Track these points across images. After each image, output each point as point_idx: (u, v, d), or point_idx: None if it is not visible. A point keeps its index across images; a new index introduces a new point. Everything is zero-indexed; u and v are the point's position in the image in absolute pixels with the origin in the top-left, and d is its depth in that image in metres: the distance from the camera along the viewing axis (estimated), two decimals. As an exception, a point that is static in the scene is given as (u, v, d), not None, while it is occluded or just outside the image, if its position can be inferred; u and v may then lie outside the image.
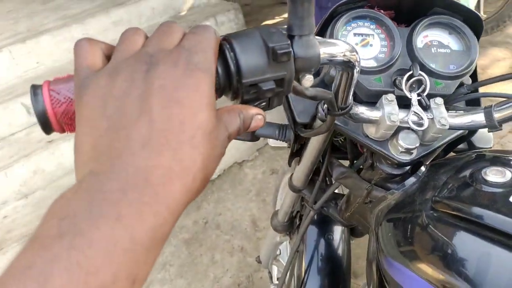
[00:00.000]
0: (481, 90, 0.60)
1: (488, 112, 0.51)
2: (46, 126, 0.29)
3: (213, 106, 0.28)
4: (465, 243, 0.44)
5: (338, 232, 0.95)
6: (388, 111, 0.50)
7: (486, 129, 0.74)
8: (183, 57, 0.27)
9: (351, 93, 0.45)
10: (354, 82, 0.42)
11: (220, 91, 0.31)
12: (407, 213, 0.51)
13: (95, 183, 0.23)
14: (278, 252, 1.20)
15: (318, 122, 0.57)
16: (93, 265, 0.20)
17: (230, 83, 0.30)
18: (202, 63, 0.27)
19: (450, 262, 0.43)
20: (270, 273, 1.34)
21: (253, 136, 0.69)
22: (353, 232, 0.99)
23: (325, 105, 0.48)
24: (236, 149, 2.23)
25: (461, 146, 0.70)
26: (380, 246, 0.54)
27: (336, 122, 0.56)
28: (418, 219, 0.49)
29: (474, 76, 0.59)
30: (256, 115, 0.32)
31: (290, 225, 1.00)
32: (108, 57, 0.31)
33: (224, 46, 0.30)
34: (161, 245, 0.25)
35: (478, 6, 2.80)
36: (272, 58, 0.30)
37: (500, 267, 0.40)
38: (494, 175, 0.46)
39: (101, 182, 0.23)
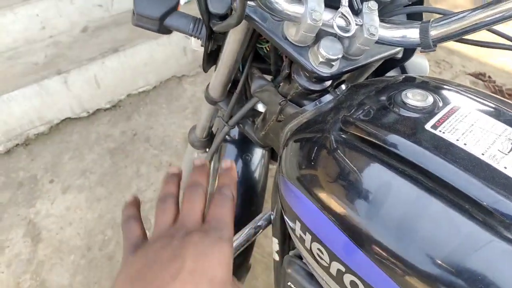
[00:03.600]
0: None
1: (424, 28, 0.44)
2: None
3: (230, 266, 0.35)
4: (369, 172, 0.38)
5: (258, 154, 0.90)
6: (312, 7, 0.41)
7: (423, 59, 0.68)
8: (212, 232, 0.36)
9: None
10: None
11: None
12: (315, 133, 0.45)
13: None
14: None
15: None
16: None
17: None
18: (226, 235, 0.37)
19: (349, 191, 0.38)
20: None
21: (162, 27, 0.57)
22: (274, 156, 0.94)
23: None
24: (176, 61, 2.07)
25: (393, 73, 0.63)
26: (281, 168, 0.47)
27: (252, 15, 0.46)
28: (324, 141, 0.42)
29: (420, -14, 0.51)
30: None
31: (209, 142, 0.93)
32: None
33: None
34: None
35: None
36: None
37: (398, 200, 0.35)
38: (414, 98, 0.40)
39: None
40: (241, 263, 0.95)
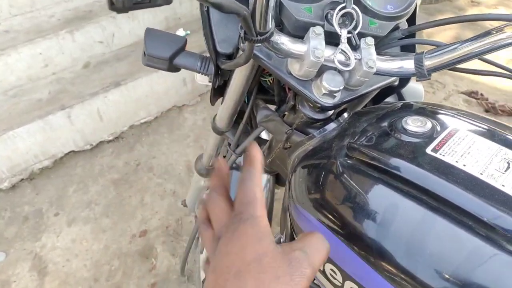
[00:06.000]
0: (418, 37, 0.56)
1: (418, 59, 0.47)
2: None
3: (267, 236, 0.34)
4: (376, 195, 0.41)
5: (263, 179, 0.92)
6: (314, 45, 0.44)
7: (418, 84, 0.72)
8: (240, 216, 0.36)
9: (270, 15, 0.38)
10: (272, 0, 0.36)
11: None
12: (322, 159, 0.48)
13: None
14: (204, 196, 1.16)
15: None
16: None
17: None
18: (255, 213, 0.36)
19: (358, 213, 0.40)
20: (196, 217, 1.31)
21: (171, 66, 0.61)
22: (278, 180, 0.97)
23: (243, 30, 0.41)
24: (176, 92, 2.12)
25: (390, 99, 0.67)
26: (291, 193, 0.50)
27: (258, 54, 0.49)
28: (331, 166, 0.45)
29: (412, 20, 0.55)
30: None
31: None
32: None
33: None
34: None
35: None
36: None
37: (405, 220, 0.38)
38: (414, 124, 0.43)
39: None
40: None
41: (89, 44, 2.02)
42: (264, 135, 0.85)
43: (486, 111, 2.21)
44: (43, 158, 1.83)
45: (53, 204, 1.77)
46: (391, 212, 0.38)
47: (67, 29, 1.93)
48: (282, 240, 0.67)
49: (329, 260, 0.43)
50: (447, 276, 0.34)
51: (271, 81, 0.66)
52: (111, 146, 2.00)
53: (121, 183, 1.85)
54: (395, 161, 0.40)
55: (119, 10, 0.30)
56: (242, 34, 0.42)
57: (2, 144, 1.69)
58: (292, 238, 0.63)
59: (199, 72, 0.63)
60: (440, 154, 0.39)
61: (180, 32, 2.20)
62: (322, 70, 0.48)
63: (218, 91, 0.67)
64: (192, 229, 0.96)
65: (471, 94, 2.28)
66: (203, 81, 0.79)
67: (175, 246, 1.62)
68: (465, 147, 0.40)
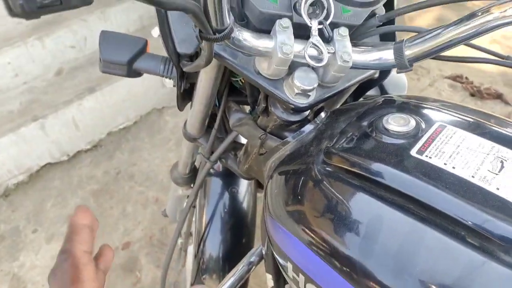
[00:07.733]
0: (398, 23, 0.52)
1: (398, 49, 0.43)
2: None
3: None
4: (358, 206, 0.36)
5: (244, 184, 0.87)
6: (281, 40, 0.40)
7: (400, 75, 0.68)
8: None
9: (226, 8, 0.33)
10: None
11: None
12: (298, 167, 0.43)
13: None
14: (184, 205, 1.11)
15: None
16: None
17: None
18: None
19: (338, 228, 0.36)
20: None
21: (131, 71, 0.56)
22: (260, 184, 0.92)
23: (198, 28, 0.36)
24: (154, 93, 2.05)
25: (372, 92, 0.63)
26: (267, 205, 0.45)
27: (221, 53, 0.44)
28: (308, 175, 0.41)
29: (390, 5, 0.51)
30: None
31: (193, 177, 0.91)
32: None
33: None
34: None
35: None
36: None
37: (391, 233, 0.33)
38: (396, 123, 0.39)
39: None
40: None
41: (60, 50, 1.94)
42: (243, 138, 0.80)
43: (472, 95, 2.20)
44: (18, 172, 1.75)
45: (31, 221, 1.69)
46: (375, 225, 0.34)
47: (36, 36, 1.85)
48: (264, 251, 0.63)
49: (311, 281, 0.38)
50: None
51: (243, 81, 0.61)
52: (89, 156, 1.93)
53: (101, 194, 1.78)
54: (376, 167, 0.36)
55: (23, 16, 0.24)
56: (197, 33, 0.37)
57: (-27, 160, 1.61)
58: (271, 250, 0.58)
59: (162, 76, 0.58)
60: (426, 156, 0.35)
61: (155, 32, 2.12)
62: (293, 67, 0.43)
63: (186, 95, 0.62)
64: (171, 241, 0.91)
65: (456, 78, 2.27)
66: (172, 84, 0.74)
67: (160, 257, 1.56)
68: (454, 146, 0.36)
